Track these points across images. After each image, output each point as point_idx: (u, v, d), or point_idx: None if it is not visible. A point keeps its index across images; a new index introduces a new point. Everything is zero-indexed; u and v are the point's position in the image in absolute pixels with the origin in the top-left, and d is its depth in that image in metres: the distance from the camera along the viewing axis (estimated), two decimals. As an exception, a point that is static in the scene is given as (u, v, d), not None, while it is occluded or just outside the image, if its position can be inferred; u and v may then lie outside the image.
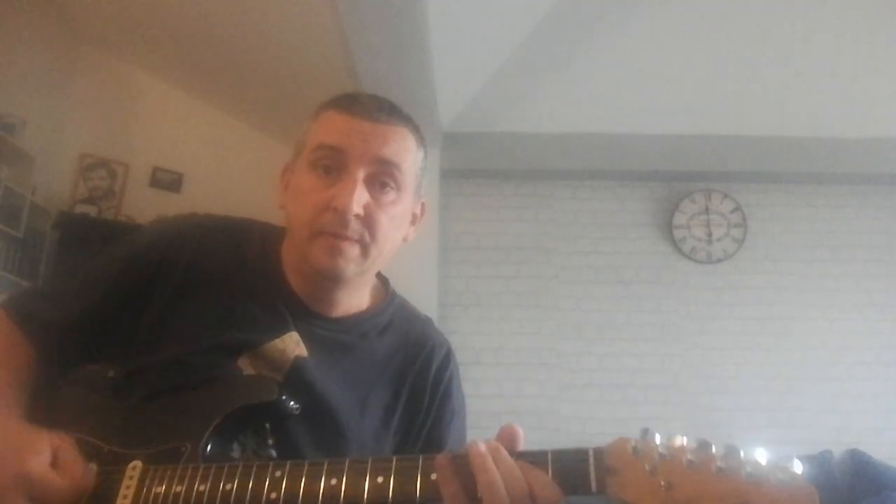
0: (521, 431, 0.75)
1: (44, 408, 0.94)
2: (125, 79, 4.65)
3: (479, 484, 0.70)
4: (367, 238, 0.92)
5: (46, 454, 0.82)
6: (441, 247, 4.00)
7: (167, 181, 4.60)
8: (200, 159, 4.58)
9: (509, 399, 3.86)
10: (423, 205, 1.05)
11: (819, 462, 3.59)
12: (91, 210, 4.30)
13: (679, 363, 3.94)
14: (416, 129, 0.99)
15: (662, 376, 3.91)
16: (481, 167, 4.14)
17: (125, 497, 0.82)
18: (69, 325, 0.97)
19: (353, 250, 0.92)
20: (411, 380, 1.02)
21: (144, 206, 4.46)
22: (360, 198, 0.90)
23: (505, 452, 0.72)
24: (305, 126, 0.99)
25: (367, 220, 0.92)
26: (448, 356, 1.07)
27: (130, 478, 0.83)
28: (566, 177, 4.18)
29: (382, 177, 0.93)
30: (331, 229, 0.91)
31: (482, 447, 0.72)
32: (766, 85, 3.93)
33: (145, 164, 4.58)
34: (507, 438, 0.74)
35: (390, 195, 0.94)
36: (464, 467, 0.72)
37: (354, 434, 0.95)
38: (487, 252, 4.13)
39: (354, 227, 0.91)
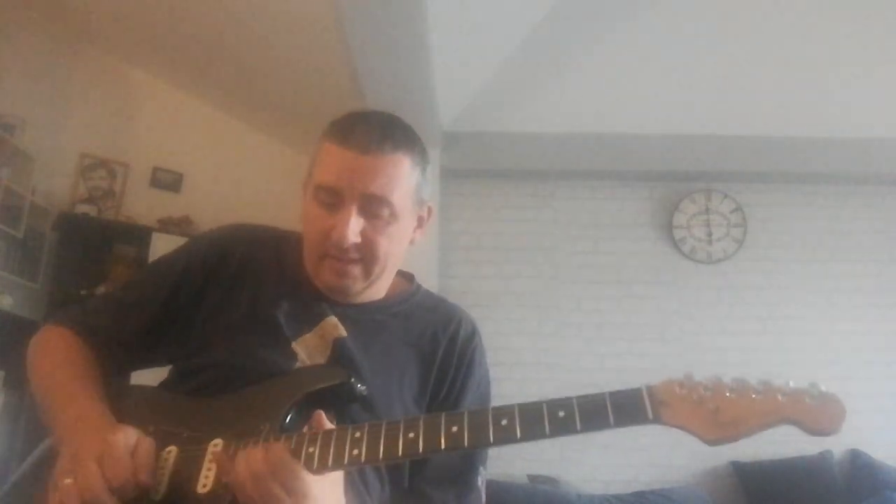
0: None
1: (116, 406, 1.02)
2: (125, 79, 4.65)
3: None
4: (368, 258, 1.04)
5: (133, 439, 0.90)
6: (441, 247, 3.99)
7: (167, 181, 4.60)
8: (200, 159, 4.58)
9: (509, 399, 3.79)
10: (429, 208, 1.14)
11: (819, 462, 3.59)
12: (91, 210, 4.30)
13: (679, 363, 3.92)
14: (411, 149, 1.06)
15: (662, 376, 3.87)
16: (481, 167, 4.14)
17: (209, 469, 0.88)
18: (131, 331, 1.09)
19: (356, 269, 1.04)
20: (441, 350, 1.11)
21: (144, 206, 4.46)
22: (354, 228, 1.01)
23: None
24: (316, 146, 1.08)
25: (366, 244, 1.03)
26: (474, 332, 1.16)
27: (213, 452, 0.90)
28: (566, 177, 4.18)
29: (374, 209, 1.02)
30: (334, 253, 1.03)
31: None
32: (766, 85, 3.92)
33: (145, 164, 4.58)
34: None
35: (384, 219, 1.03)
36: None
37: (395, 404, 1.04)
38: (487, 252, 4.13)
39: (354, 251, 1.02)
